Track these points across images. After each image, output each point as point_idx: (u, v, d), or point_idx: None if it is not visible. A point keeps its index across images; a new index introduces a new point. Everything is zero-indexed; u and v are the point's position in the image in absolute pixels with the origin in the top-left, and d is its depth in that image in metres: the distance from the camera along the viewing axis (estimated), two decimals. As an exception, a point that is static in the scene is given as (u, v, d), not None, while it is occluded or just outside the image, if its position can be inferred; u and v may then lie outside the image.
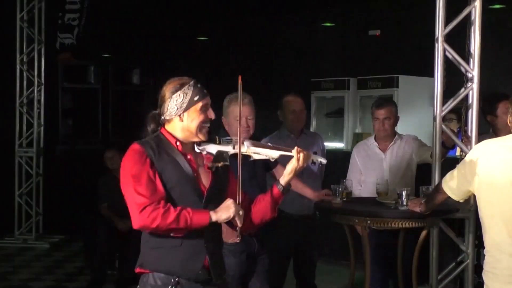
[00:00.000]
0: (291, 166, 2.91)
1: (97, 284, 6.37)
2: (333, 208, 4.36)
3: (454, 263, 4.93)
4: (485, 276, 3.04)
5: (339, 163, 5.45)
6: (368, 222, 4.29)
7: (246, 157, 2.92)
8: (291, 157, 2.91)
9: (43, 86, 8.80)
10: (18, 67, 8.67)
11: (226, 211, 2.79)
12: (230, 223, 2.86)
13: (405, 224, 4.25)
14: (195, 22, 11.41)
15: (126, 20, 11.12)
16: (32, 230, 8.53)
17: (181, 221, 2.73)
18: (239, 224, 2.81)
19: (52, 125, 9.34)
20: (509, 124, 3.11)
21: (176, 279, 2.84)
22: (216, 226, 2.86)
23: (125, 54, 11.59)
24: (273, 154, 2.93)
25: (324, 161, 3.11)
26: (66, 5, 9.48)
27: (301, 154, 2.90)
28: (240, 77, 2.88)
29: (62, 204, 8.73)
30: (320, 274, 5.55)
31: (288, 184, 2.95)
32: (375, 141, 4.93)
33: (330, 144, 8.53)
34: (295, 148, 2.92)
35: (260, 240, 4.04)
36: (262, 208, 2.97)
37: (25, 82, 8.73)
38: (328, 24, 9.93)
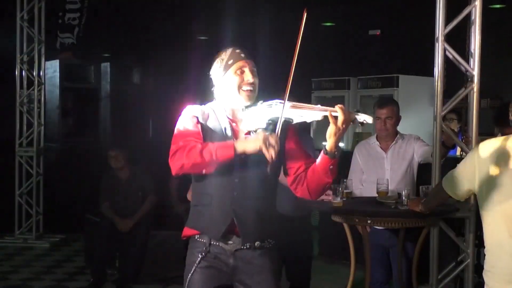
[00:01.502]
0: (331, 128, 2.78)
1: (97, 284, 6.37)
2: (334, 207, 4.35)
3: (454, 263, 4.93)
4: (485, 275, 3.05)
5: (339, 162, 5.45)
6: (369, 221, 4.29)
7: (289, 121, 2.83)
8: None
9: (43, 86, 8.80)
10: (18, 66, 8.66)
11: (253, 141, 2.72)
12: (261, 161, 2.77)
13: (406, 223, 4.25)
14: (195, 21, 11.41)
15: (126, 20, 11.12)
16: (32, 229, 8.53)
17: (205, 155, 2.75)
18: (267, 156, 2.68)
19: (52, 125, 9.34)
20: None
21: (210, 239, 2.89)
22: (245, 187, 2.83)
23: (125, 54, 11.60)
24: (315, 116, 2.79)
25: (369, 120, 2.83)
26: (66, 4, 9.48)
27: (340, 115, 2.74)
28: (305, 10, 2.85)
29: (62, 204, 8.73)
30: (320, 274, 5.56)
31: (335, 147, 2.82)
32: (377, 140, 4.93)
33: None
34: (329, 109, 2.76)
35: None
36: (314, 173, 2.90)
37: (25, 82, 8.72)
38: (329, 24, 9.94)
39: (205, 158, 2.74)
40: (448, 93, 4.72)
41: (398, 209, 4.25)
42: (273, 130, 2.77)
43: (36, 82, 8.69)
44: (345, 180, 4.63)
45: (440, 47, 4.62)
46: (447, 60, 4.67)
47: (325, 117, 2.77)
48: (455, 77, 4.94)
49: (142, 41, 11.79)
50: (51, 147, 9.06)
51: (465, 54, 4.70)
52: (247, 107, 2.91)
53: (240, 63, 2.92)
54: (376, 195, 4.54)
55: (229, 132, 2.91)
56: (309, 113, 2.79)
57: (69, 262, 7.49)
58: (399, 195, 4.36)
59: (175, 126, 2.98)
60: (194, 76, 11.85)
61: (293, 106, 2.80)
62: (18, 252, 8.00)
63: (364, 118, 2.81)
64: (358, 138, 7.78)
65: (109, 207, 6.66)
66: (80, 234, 7.61)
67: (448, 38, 4.63)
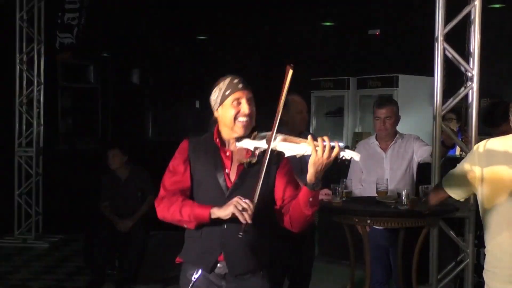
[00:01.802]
0: (312, 158, 2.67)
1: (96, 284, 6.37)
2: (333, 207, 4.35)
3: (454, 263, 4.93)
4: (486, 275, 3.04)
5: (340, 162, 5.45)
6: (368, 221, 4.28)
7: (280, 154, 2.80)
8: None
9: (42, 86, 8.79)
10: (17, 66, 8.66)
11: (225, 208, 2.77)
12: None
13: (405, 223, 4.25)
14: (195, 21, 11.41)
15: (125, 20, 11.12)
16: (32, 229, 8.52)
17: (184, 215, 2.85)
18: (241, 219, 2.71)
19: (51, 125, 9.35)
20: (510, 124, 3.11)
21: (199, 270, 2.93)
22: (235, 222, 2.79)
23: (125, 54, 11.60)
24: (305, 150, 2.69)
25: (356, 157, 2.66)
26: (66, 4, 9.47)
27: (320, 145, 2.63)
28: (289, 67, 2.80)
29: (61, 204, 8.73)
30: (320, 274, 5.55)
31: (314, 178, 2.71)
32: (376, 140, 4.92)
33: (329, 144, 8.53)
34: (309, 136, 2.71)
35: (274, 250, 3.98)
36: (296, 206, 2.86)
37: (24, 82, 8.72)
38: (328, 23, 9.94)
39: (183, 217, 2.85)
40: (447, 93, 4.72)
41: (398, 209, 4.25)
42: (255, 161, 2.83)
43: (35, 82, 8.68)
44: (344, 180, 4.63)
45: (439, 46, 4.62)
46: (446, 60, 4.67)
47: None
48: (455, 77, 4.94)
49: (142, 41, 11.79)
50: (50, 147, 9.06)
51: (465, 53, 4.70)
52: (241, 138, 2.90)
53: (237, 94, 2.91)
54: (376, 195, 4.54)
55: (218, 163, 2.91)
56: (300, 147, 2.73)
57: (69, 262, 7.49)
58: (399, 195, 4.36)
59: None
60: (193, 76, 11.87)
61: (283, 140, 2.77)
62: (18, 252, 7.99)
63: (350, 155, 2.67)
64: (357, 137, 7.79)
65: (108, 207, 6.66)
66: (80, 234, 7.61)
67: (448, 38, 4.64)
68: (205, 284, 2.95)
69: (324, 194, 4.49)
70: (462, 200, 3.28)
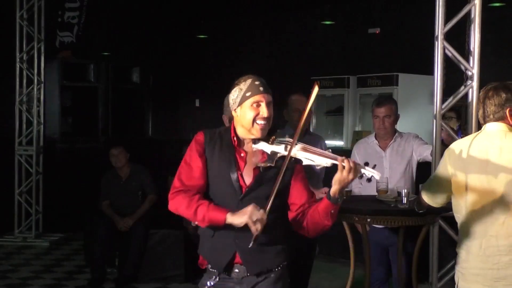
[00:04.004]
0: (337, 176, 2.80)
1: (97, 283, 6.37)
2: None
3: (454, 261, 4.92)
4: (456, 275, 3.13)
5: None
6: (368, 220, 4.28)
7: (298, 162, 2.87)
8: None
9: (42, 84, 8.80)
10: (17, 65, 8.66)
11: (240, 216, 2.80)
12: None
13: (405, 222, 4.25)
14: (195, 20, 11.42)
15: (125, 19, 11.13)
16: (32, 228, 8.53)
17: (198, 215, 2.87)
18: (252, 231, 2.77)
19: (51, 123, 9.35)
20: (479, 119, 3.14)
21: (217, 278, 2.98)
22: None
23: (125, 52, 11.61)
24: (324, 162, 2.81)
25: (377, 176, 2.83)
26: (66, 3, 9.49)
27: (346, 165, 2.77)
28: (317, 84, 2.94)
29: (61, 203, 8.74)
30: (320, 272, 5.56)
31: (338, 193, 2.86)
32: (375, 139, 4.92)
33: (330, 142, 8.54)
34: (339, 158, 2.79)
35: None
36: (315, 215, 2.93)
37: (24, 80, 8.72)
38: (328, 22, 9.94)
39: (197, 217, 2.88)
40: (447, 91, 4.72)
41: (398, 208, 4.25)
42: (280, 167, 2.84)
43: (35, 80, 8.68)
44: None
45: (439, 45, 4.62)
46: (446, 59, 4.67)
47: (334, 164, 2.80)
48: (455, 76, 4.94)
49: (142, 40, 11.79)
50: (50, 146, 9.06)
51: (465, 52, 4.70)
52: (258, 140, 2.92)
53: (257, 97, 2.92)
54: (375, 193, 4.54)
55: (232, 163, 2.93)
56: (318, 158, 2.82)
57: (69, 261, 7.49)
58: (399, 193, 4.36)
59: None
60: (193, 75, 11.87)
61: (303, 149, 2.83)
62: (18, 251, 8.00)
63: (371, 173, 2.82)
64: (357, 136, 7.78)
65: (109, 206, 6.66)
66: (80, 233, 7.61)
67: (448, 37, 4.64)
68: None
69: (324, 193, 4.49)
70: (442, 206, 3.31)
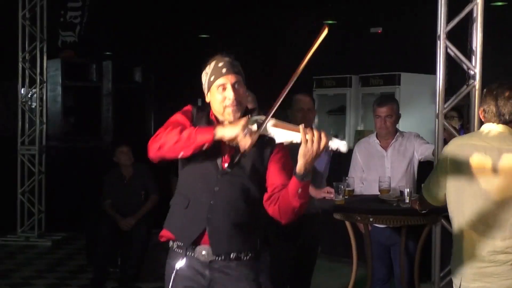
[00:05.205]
0: (301, 149, 2.61)
1: (99, 282, 6.38)
2: (335, 205, 4.35)
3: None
4: (452, 275, 3.14)
5: (341, 160, 5.45)
6: (370, 219, 4.29)
7: (270, 139, 2.71)
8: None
9: (45, 84, 8.81)
10: (20, 65, 8.67)
11: (232, 127, 2.66)
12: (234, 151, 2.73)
13: (407, 221, 4.25)
14: (197, 19, 11.42)
15: (127, 18, 11.13)
16: (35, 228, 8.54)
17: (184, 134, 2.71)
18: (241, 145, 2.64)
19: (54, 123, 9.35)
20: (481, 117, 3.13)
21: (184, 259, 2.89)
22: (222, 199, 2.79)
23: (127, 52, 11.61)
24: (294, 138, 2.64)
25: (343, 147, 2.60)
26: (68, 3, 9.49)
27: (309, 136, 2.57)
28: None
29: (64, 202, 8.74)
30: (322, 272, 5.56)
31: (304, 169, 2.64)
32: (377, 138, 4.92)
33: (332, 142, 8.54)
34: (300, 126, 2.62)
35: (263, 237, 4.00)
36: (285, 196, 2.78)
37: (27, 80, 8.73)
38: (330, 22, 9.93)
39: (183, 137, 2.70)
40: (450, 91, 4.72)
41: (400, 207, 4.25)
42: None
43: (38, 80, 8.69)
44: (347, 178, 4.63)
45: (442, 44, 4.61)
46: (449, 58, 4.66)
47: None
48: (457, 75, 4.93)
49: (144, 39, 11.79)
50: (53, 145, 9.07)
51: (467, 51, 4.70)
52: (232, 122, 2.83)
53: (221, 80, 2.84)
54: (377, 193, 4.54)
55: (216, 145, 2.82)
56: (289, 134, 2.66)
57: (71, 260, 7.50)
58: (401, 193, 4.36)
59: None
60: (195, 74, 11.87)
61: (274, 125, 2.69)
62: (20, 251, 8.01)
63: (337, 145, 2.61)
64: (359, 135, 7.78)
65: (111, 205, 6.67)
66: (82, 232, 7.62)
67: (450, 36, 4.63)
68: (189, 272, 2.91)
69: (327, 192, 4.49)
70: (443, 205, 3.32)
